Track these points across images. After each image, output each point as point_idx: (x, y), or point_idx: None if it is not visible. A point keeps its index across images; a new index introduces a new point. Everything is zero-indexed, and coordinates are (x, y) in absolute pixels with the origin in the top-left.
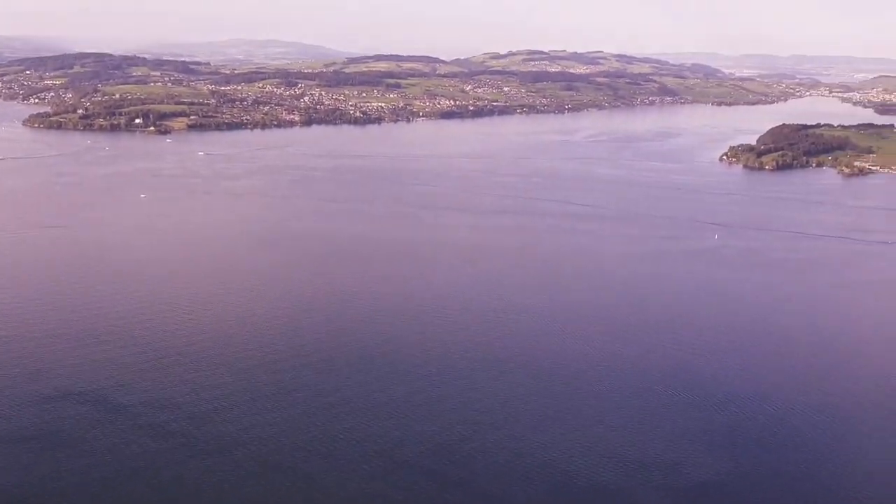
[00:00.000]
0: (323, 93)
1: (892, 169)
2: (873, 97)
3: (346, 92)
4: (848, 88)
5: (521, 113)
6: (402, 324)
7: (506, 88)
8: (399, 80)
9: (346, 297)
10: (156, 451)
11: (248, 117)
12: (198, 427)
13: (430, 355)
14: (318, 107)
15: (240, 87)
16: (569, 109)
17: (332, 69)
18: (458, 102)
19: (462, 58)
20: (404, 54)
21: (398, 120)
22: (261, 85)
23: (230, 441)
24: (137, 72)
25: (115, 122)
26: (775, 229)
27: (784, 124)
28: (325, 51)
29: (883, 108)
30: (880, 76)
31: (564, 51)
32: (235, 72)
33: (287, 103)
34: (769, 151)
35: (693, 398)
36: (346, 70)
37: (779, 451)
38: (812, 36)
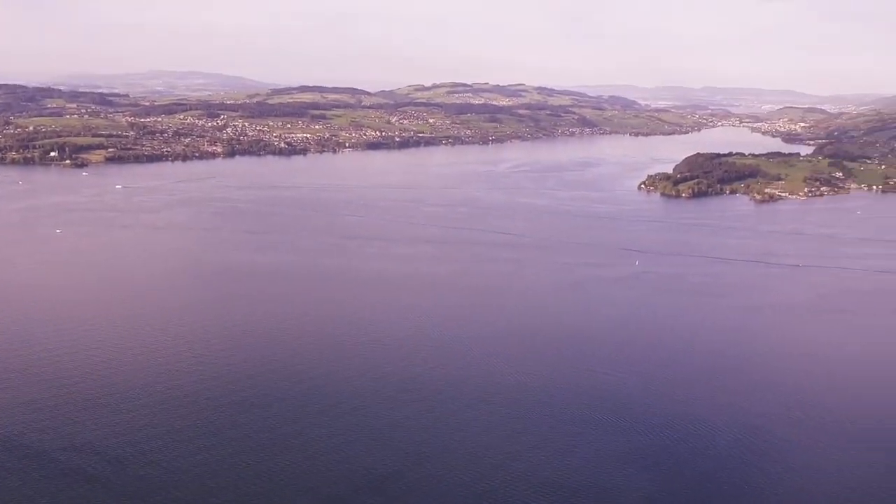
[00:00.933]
0: (246, 124)
1: (799, 195)
2: (780, 127)
3: (271, 123)
4: (757, 119)
5: (446, 144)
6: (333, 357)
7: (431, 120)
8: (324, 112)
9: (275, 331)
10: (74, 499)
11: (169, 149)
12: (119, 471)
13: (362, 389)
14: (242, 138)
15: (160, 119)
16: (493, 140)
17: (255, 100)
18: (384, 133)
19: (387, 89)
20: (329, 85)
21: (324, 151)
22: (182, 117)
23: (154, 484)
24: (52, 104)
25: (29, 156)
26: (693, 254)
27: (698, 153)
28: (247, 82)
29: (789, 138)
30: (785, 107)
31: (487, 83)
32: (155, 103)
33: (209, 135)
34: (685, 180)
35: (622, 421)
36: (270, 101)
37: (706, 472)
38: (722, 68)
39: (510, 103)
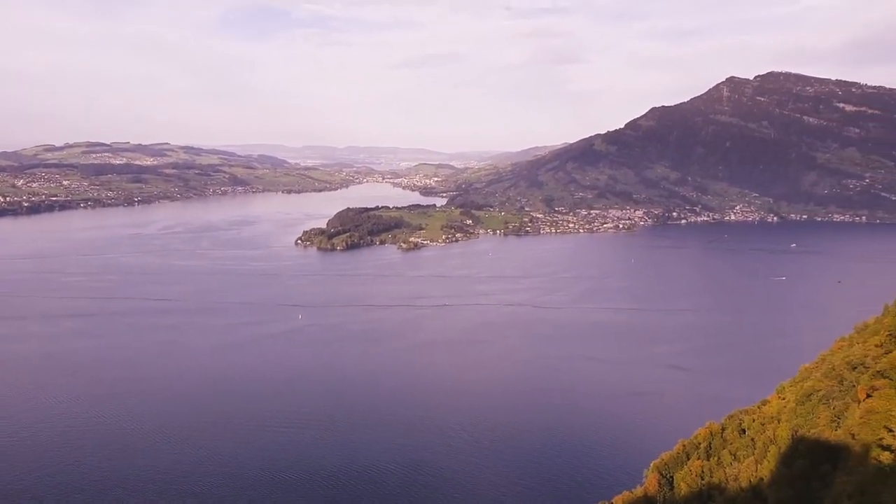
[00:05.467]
0: None
1: (439, 242)
2: (417, 182)
3: None
4: (397, 175)
5: (86, 207)
6: None
7: (66, 182)
8: None
9: None
10: None
11: None
12: None
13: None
14: None
15: None
16: (139, 202)
17: None
18: (8, 199)
19: (9, 150)
20: None
21: None
22: None
23: None
24: None
25: None
26: (352, 304)
27: (349, 208)
28: None
29: (425, 191)
30: (420, 164)
31: (128, 143)
32: None
33: None
34: (339, 233)
35: (299, 475)
36: None
37: None
38: (362, 129)
39: (155, 163)
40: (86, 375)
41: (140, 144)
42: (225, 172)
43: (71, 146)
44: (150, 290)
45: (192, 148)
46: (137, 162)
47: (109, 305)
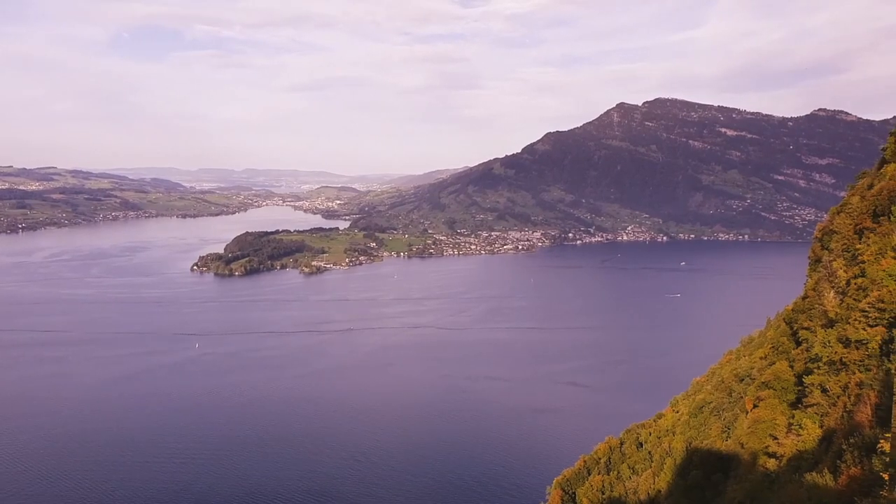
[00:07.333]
0: None
1: (342, 265)
2: (319, 205)
3: None
4: (298, 198)
5: None
6: None
7: None
8: None
9: None
10: None
11: None
12: None
13: None
14: None
15: None
16: (23, 228)
17: None
18: None
19: None
20: None
21: None
22: None
23: None
24: None
25: None
26: (252, 331)
27: (247, 232)
28: None
29: (328, 214)
30: (322, 187)
31: (11, 167)
32: None
33: None
34: (237, 258)
35: None
36: None
37: None
38: (261, 152)
39: (41, 188)
40: None
41: (24, 168)
42: (116, 197)
43: None
44: (36, 322)
45: (80, 172)
46: (21, 187)
47: None
